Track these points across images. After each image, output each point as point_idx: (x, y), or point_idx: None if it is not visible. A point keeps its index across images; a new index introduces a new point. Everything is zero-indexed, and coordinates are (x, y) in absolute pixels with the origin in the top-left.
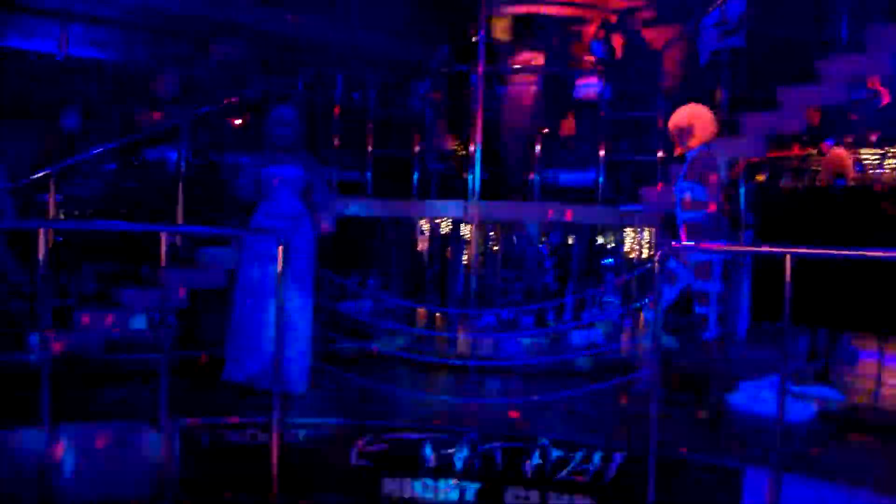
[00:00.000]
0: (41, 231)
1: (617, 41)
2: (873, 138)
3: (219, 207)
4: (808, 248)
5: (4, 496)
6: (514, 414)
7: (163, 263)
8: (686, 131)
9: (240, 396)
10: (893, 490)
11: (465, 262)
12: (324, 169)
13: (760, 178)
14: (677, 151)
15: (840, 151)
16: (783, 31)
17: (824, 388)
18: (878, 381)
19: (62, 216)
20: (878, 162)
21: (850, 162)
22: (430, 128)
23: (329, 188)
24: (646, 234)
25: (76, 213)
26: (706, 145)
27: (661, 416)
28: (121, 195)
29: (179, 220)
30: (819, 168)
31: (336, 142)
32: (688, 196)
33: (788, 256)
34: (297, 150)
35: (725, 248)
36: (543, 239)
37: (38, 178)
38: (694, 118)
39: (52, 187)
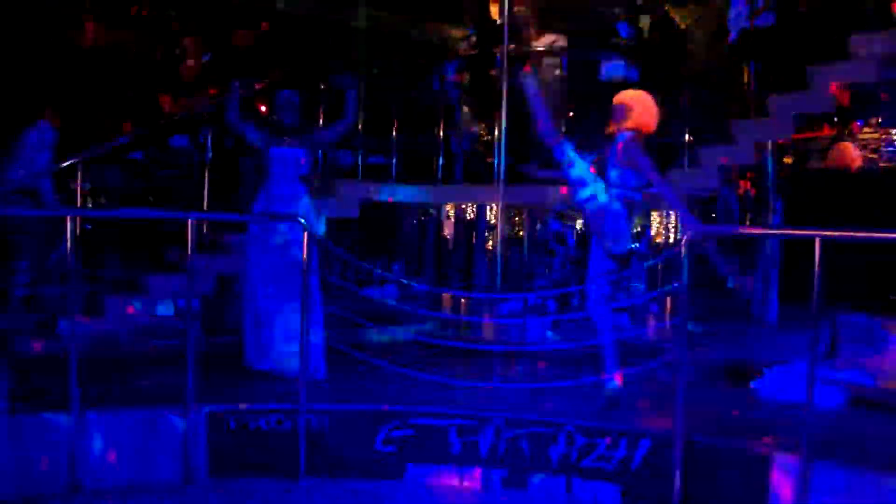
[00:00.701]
0: (69, 218)
1: (644, 22)
2: None
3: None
4: (837, 230)
5: (34, 481)
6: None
7: (189, 250)
8: (625, 111)
9: (262, 381)
10: None
11: (490, 247)
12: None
13: (788, 160)
14: (609, 129)
15: (846, 144)
16: (814, 9)
17: (854, 372)
18: None
19: (90, 204)
20: None
21: (856, 154)
22: (456, 112)
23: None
24: (672, 217)
25: (103, 201)
26: (636, 133)
27: (689, 402)
28: (148, 182)
29: (205, 206)
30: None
31: (360, 126)
32: (617, 181)
33: (818, 239)
34: (300, 132)
35: (758, 231)
36: (569, 223)
37: (66, 166)
38: (637, 102)
39: (79, 175)
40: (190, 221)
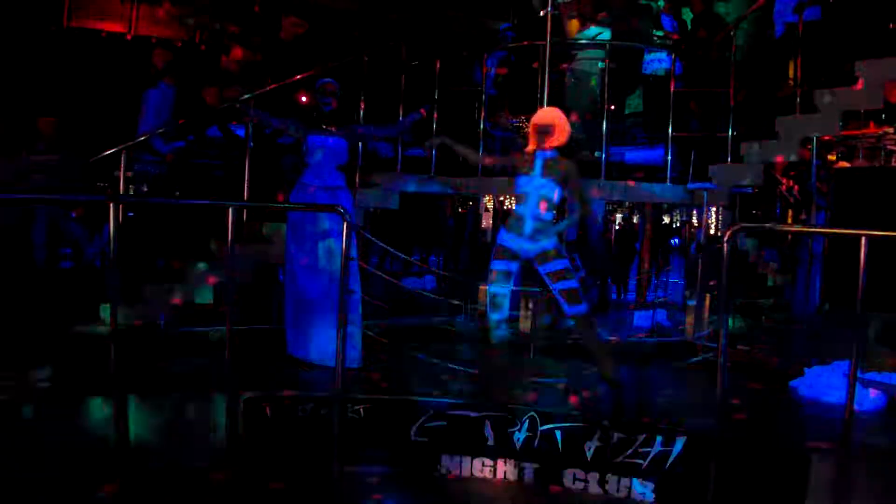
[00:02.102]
0: (111, 205)
1: (688, 14)
2: None
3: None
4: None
5: (77, 464)
6: (574, 398)
7: (229, 239)
8: (546, 130)
9: (301, 370)
10: None
11: None
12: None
13: (832, 157)
14: (529, 149)
15: None
16: (862, 2)
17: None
18: None
19: (132, 191)
20: None
21: None
22: (496, 103)
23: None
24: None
25: (145, 189)
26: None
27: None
28: (190, 172)
29: (245, 195)
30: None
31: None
32: (546, 198)
33: (864, 239)
34: (340, 121)
35: (797, 229)
36: (610, 218)
37: (109, 154)
38: (557, 120)
39: (122, 163)
40: (230, 209)
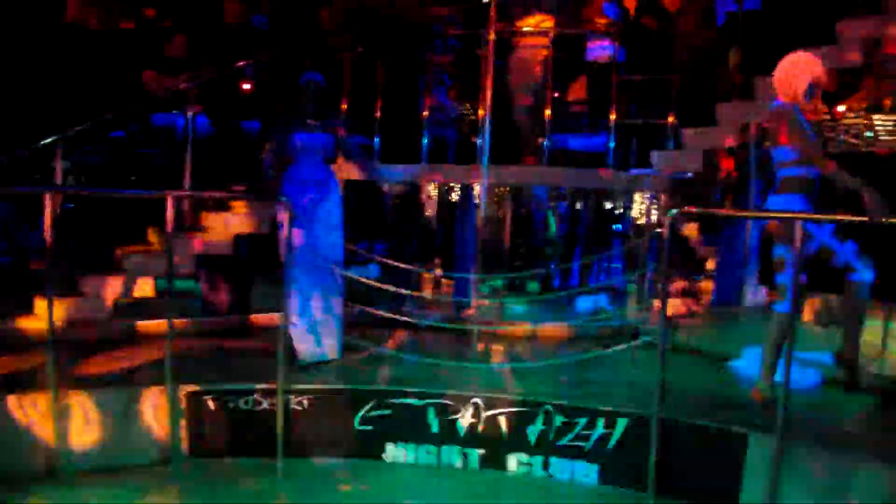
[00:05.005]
0: (48, 196)
1: (630, 2)
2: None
3: (237, 173)
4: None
5: (12, 464)
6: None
7: (169, 229)
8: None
9: (247, 361)
10: (894, 456)
11: (472, 228)
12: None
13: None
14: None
15: None
16: None
17: (830, 354)
18: (883, 349)
19: (71, 182)
20: (892, 129)
21: None
22: (440, 92)
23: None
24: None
25: (83, 179)
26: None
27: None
28: (130, 161)
29: (186, 185)
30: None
31: (344, 106)
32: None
33: (797, 223)
34: (324, 116)
35: (733, 213)
36: (552, 204)
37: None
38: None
39: (58, 154)
40: (169, 200)
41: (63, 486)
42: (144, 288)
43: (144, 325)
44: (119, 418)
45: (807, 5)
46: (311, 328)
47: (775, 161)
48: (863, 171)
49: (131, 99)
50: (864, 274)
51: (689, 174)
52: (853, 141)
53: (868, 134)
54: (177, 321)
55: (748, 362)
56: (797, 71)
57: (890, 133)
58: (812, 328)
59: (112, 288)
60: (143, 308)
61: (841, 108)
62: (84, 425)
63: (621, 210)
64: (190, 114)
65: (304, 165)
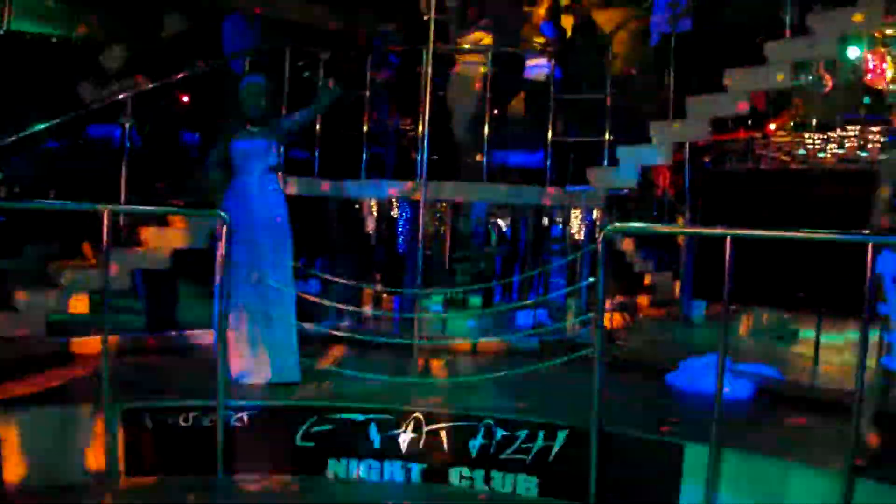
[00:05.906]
0: None
1: (567, 22)
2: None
3: (174, 185)
4: (747, 229)
5: None
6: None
7: (105, 243)
8: None
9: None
10: (825, 463)
11: (412, 243)
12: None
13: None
14: None
15: None
16: (731, 14)
17: (763, 366)
18: (816, 360)
19: (3, 194)
20: (820, 147)
21: None
22: (380, 107)
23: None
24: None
25: (16, 190)
26: None
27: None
28: (64, 173)
29: (122, 198)
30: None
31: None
32: None
33: (728, 238)
34: (265, 120)
35: (667, 230)
36: (491, 220)
37: None
38: None
39: None
40: (105, 213)
41: None
42: (77, 305)
43: (79, 341)
44: (54, 438)
45: (737, 28)
46: (252, 347)
47: None
48: (798, 188)
49: (66, 109)
50: None
51: (626, 191)
52: (784, 158)
53: (801, 151)
54: (112, 337)
55: (684, 374)
56: None
57: (818, 152)
58: (747, 340)
59: (46, 303)
60: (78, 324)
61: (772, 126)
62: (18, 446)
63: (560, 225)
64: (126, 125)
65: (244, 174)
